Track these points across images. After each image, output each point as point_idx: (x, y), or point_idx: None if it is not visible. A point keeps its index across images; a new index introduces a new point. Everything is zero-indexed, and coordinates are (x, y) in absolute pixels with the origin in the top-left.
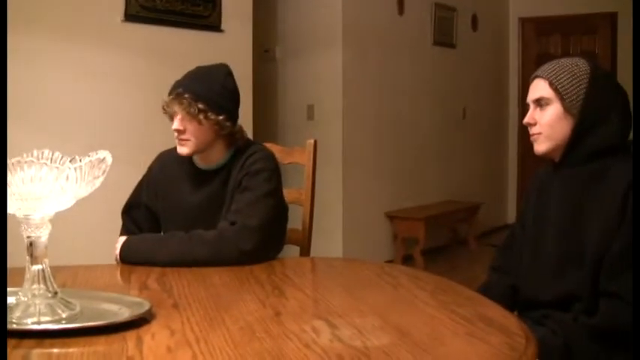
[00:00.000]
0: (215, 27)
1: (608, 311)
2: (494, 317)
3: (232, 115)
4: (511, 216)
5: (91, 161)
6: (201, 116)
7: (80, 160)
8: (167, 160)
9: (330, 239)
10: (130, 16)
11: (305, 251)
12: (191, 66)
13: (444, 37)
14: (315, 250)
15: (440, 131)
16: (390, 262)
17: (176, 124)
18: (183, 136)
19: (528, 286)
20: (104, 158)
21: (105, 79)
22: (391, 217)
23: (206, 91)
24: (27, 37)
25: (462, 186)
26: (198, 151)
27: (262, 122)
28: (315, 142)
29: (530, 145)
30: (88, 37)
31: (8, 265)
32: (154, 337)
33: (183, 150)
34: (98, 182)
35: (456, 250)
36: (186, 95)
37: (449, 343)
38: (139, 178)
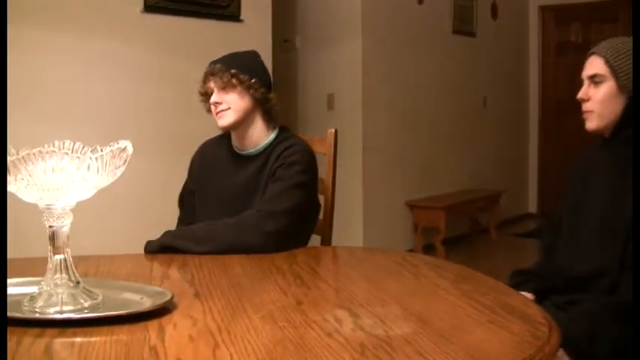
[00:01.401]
0: (234, 17)
1: (628, 285)
2: (516, 306)
3: (265, 81)
4: (532, 205)
5: (112, 151)
6: (234, 80)
7: (101, 150)
8: (208, 147)
9: (350, 228)
10: (150, 7)
11: (326, 240)
12: (210, 56)
13: (463, 26)
14: (336, 239)
15: (460, 120)
16: (411, 251)
17: (214, 97)
18: (221, 107)
19: (564, 259)
20: (125, 148)
21: (124, 70)
22: (412, 206)
23: (237, 60)
24: (44, 27)
25: (483, 175)
26: (238, 121)
27: (282, 112)
28: (336, 131)
29: (551, 135)
30: (107, 28)
31: (31, 255)
32: (176, 326)
33: (222, 121)
34: (119, 172)
35: (477, 240)
36: (218, 65)
37: (471, 332)
38: (158, 167)
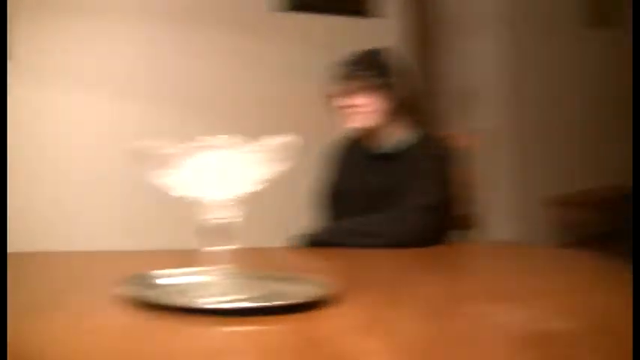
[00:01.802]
0: (370, 12)
1: None
2: None
3: (396, 79)
4: None
5: (277, 144)
6: (365, 82)
7: (267, 144)
8: (343, 145)
9: (492, 224)
10: (283, 4)
11: (469, 236)
12: (346, 53)
13: (600, 17)
14: (479, 235)
15: (603, 115)
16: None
17: (344, 99)
18: (352, 109)
19: None
20: (290, 141)
21: (258, 69)
22: (554, 202)
23: (366, 60)
24: (182, 26)
25: (626, 170)
26: (371, 122)
27: (421, 108)
28: (477, 127)
29: None
30: (240, 25)
31: (195, 247)
32: (335, 318)
33: (355, 124)
34: (285, 166)
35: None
36: (347, 66)
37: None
38: (302, 164)
